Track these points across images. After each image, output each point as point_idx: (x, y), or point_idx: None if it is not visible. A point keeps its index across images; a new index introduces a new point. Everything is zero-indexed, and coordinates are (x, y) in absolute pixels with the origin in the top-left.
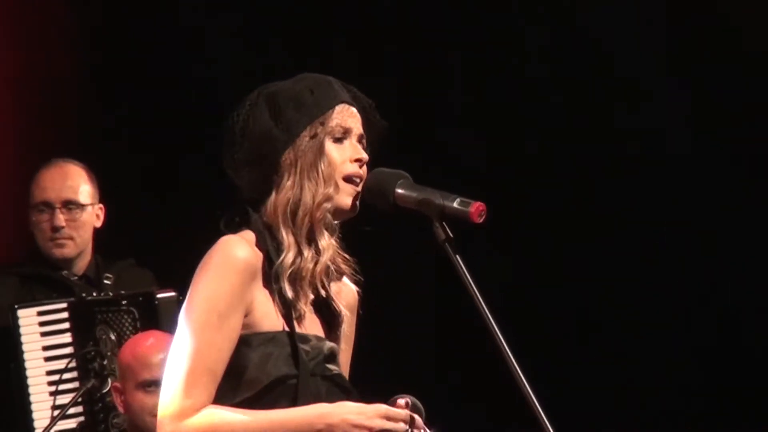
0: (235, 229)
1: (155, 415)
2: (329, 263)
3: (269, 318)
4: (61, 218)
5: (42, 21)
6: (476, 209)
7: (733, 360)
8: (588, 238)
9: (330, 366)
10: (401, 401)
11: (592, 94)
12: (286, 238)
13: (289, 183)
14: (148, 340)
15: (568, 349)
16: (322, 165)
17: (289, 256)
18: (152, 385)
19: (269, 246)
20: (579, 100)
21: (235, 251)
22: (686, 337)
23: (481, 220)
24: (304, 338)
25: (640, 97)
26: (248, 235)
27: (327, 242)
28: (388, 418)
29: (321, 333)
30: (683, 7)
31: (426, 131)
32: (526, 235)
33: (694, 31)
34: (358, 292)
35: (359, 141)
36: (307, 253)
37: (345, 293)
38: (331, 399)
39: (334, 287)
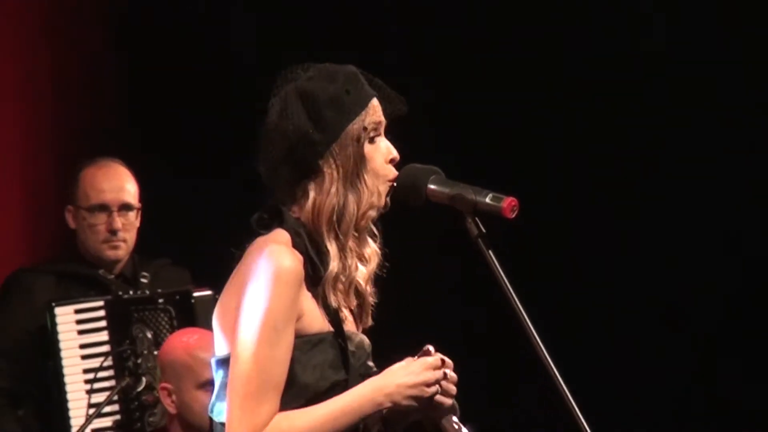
0: (266, 228)
1: None
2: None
3: (316, 320)
4: (119, 222)
5: (76, 18)
6: (508, 204)
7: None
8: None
9: (371, 363)
10: (429, 348)
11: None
12: (330, 246)
13: (333, 189)
14: (194, 336)
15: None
16: (365, 172)
17: (334, 266)
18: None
19: (309, 249)
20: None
21: (285, 262)
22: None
23: (513, 216)
24: (350, 338)
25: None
26: (282, 236)
27: (372, 250)
28: (433, 368)
29: (354, 326)
30: None
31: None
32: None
33: None
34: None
35: (386, 130)
36: (352, 262)
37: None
38: None
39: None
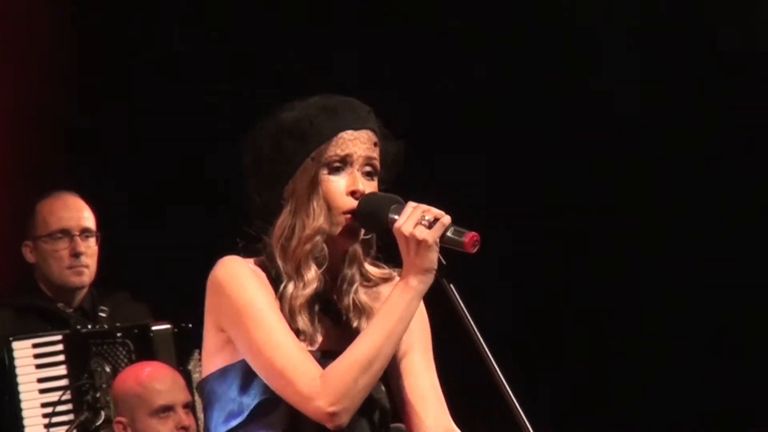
0: (249, 251)
1: None
2: (351, 284)
3: None
4: (81, 245)
5: (31, 52)
6: (470, 239)
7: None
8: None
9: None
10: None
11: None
12: (283, 268)
13: (285, 215)
14: (147, 368)
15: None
16: (315, 199)
17: (286, 287)
18: (166, 411)
19: (270, 270)
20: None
21: (238, 263)
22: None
23: (474, 250)
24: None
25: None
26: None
27: (312, 275)
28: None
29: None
30: None
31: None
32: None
33: None
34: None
35: (366, 165)
36: (299, 283)
37: None
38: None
39: (375, 292)
